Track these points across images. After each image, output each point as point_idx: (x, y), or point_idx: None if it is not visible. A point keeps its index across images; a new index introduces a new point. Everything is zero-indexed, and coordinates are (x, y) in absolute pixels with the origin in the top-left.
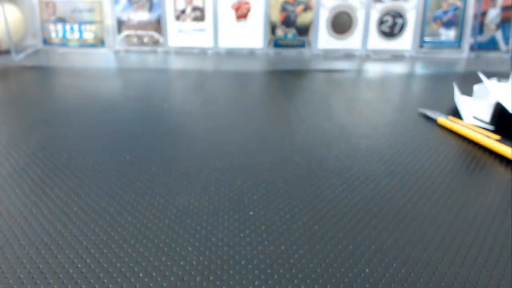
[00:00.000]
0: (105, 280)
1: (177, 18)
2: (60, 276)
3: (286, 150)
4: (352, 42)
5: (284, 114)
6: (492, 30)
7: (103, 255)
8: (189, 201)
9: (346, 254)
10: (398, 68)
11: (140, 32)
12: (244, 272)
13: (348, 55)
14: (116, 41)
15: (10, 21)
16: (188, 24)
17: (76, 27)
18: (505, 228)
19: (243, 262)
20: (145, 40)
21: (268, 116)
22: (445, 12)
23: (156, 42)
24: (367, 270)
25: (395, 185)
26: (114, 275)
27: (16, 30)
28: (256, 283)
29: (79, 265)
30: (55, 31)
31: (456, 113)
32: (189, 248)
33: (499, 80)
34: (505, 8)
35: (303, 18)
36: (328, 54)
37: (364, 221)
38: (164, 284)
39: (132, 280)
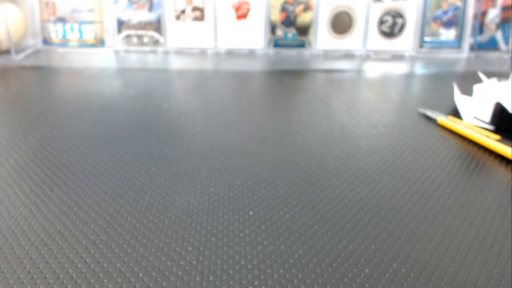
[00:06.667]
0: (105, 280)
1: (177, 18)
2: (60, 276)
3: (286, 150)
4: (352, 42)
5: (284, 114)
6: (492, 30)
7: (102, 255)
8: (189, 201)
9: (346, 254)
10: (398, 68)
11: (140, 32)
12: (244, 272)
13: (348, 55)
14: (116, 41)
15: (10, 21)
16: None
17: (76, 27)
18: (505, 228)
19: (242, 262)
20: (145, 40)
21: (268, 116)
22: (445, 12)
23: (156, 42)
24: (366, 270)
25: (395, 185)
26: (114, 275)
27: (16, 30)
28: (255, 283)
29: (78, 265)
30: (55, 31)
31: (456, 113)
32: (189, 248)
33: (499, 80)
34: (505, 8)
35: (303, 18)
36: (328, 54)
37: (364, 221)
38: (164, 284)
39: (132, 280)
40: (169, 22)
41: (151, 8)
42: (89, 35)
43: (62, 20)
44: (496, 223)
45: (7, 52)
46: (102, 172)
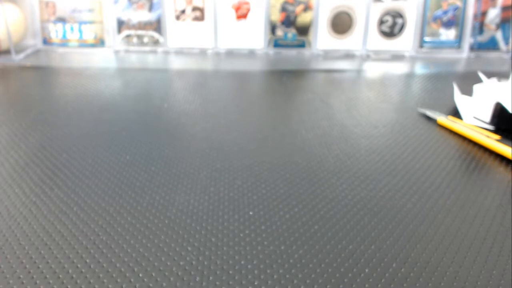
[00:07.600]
0: (105, 280)
1: (177, 18)
2: (60, 276)
3: (286, 150)
4: (352, 42)
5: (284, 114)
6: (492, 30)
7: (102, 255)
8: (189, 201)
9: (346, 254)
10: (398, 68)
11: (140, 32)
12: (244, 272)
13: (348, 55)
14: (116, 41)
15: (10, 21)
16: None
17: (76, 27)
18: (505, 228)
19: (242, 262)
20: (145, 40)
21: (268, 116)
22: (445, 12)
23: (156, 42)
24: (366, 270)
25: (395, 185)
26: (114, 275)
27: (16, 30)
28: (255, 283)
29: (78, 265)
30: (55, 31)
31: (456, 113)
32: (189, 248)
33: (499, 80)
34: (505, 8)
35: (303, 18)
36: (328, 54)
37: (363, 221)
38: (164, 284)
39: (132, 280)
40: (169, 22)
41: (151, 8)
42: (89, 35)
43: (62, 20)
44: (496, 223)
45: (7, 52)
46: (102, 172)
